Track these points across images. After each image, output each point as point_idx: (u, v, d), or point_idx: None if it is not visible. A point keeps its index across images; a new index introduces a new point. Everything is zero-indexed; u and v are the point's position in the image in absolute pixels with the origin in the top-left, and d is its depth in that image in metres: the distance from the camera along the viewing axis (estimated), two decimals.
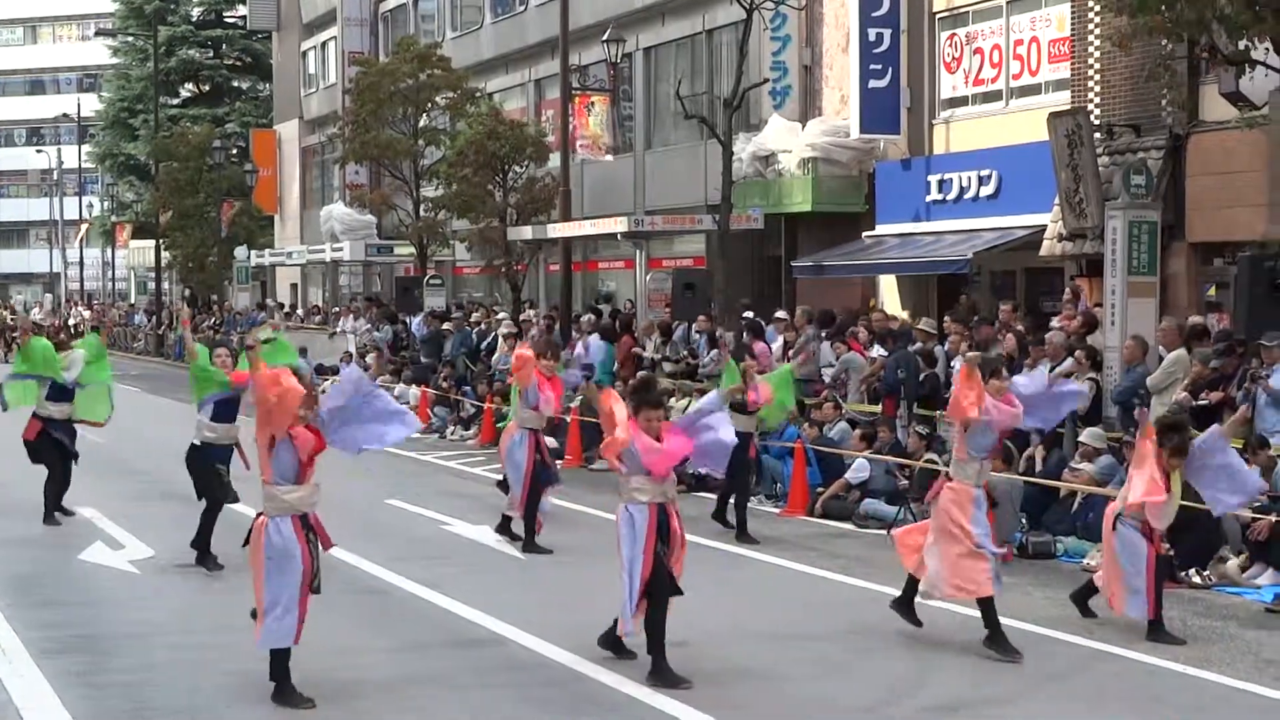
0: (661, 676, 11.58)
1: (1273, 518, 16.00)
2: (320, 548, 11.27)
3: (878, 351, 24.24)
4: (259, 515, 11.17)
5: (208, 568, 16.23)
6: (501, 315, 37.34)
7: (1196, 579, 15.94)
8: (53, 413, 19.60)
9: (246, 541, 11.33)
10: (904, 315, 28.04)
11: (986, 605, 12.88)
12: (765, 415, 19.76)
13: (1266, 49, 19.62)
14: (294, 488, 11.11)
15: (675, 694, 11.30)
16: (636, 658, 11.97)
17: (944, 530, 13.07)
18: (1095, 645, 13.29)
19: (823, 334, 25.72)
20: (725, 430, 12.33)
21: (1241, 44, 19.77)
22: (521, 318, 36.63)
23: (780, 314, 27.64)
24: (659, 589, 11.79)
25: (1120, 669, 12.51)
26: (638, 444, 11.76)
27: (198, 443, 16.88)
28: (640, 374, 13.12)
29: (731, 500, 19.37)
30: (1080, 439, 19.32)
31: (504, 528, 18.52)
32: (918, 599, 13.52)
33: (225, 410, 16.76)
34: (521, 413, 18.29)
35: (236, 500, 16.99)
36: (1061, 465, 19.31)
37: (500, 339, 34.56)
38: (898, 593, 13.79)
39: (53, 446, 19.60)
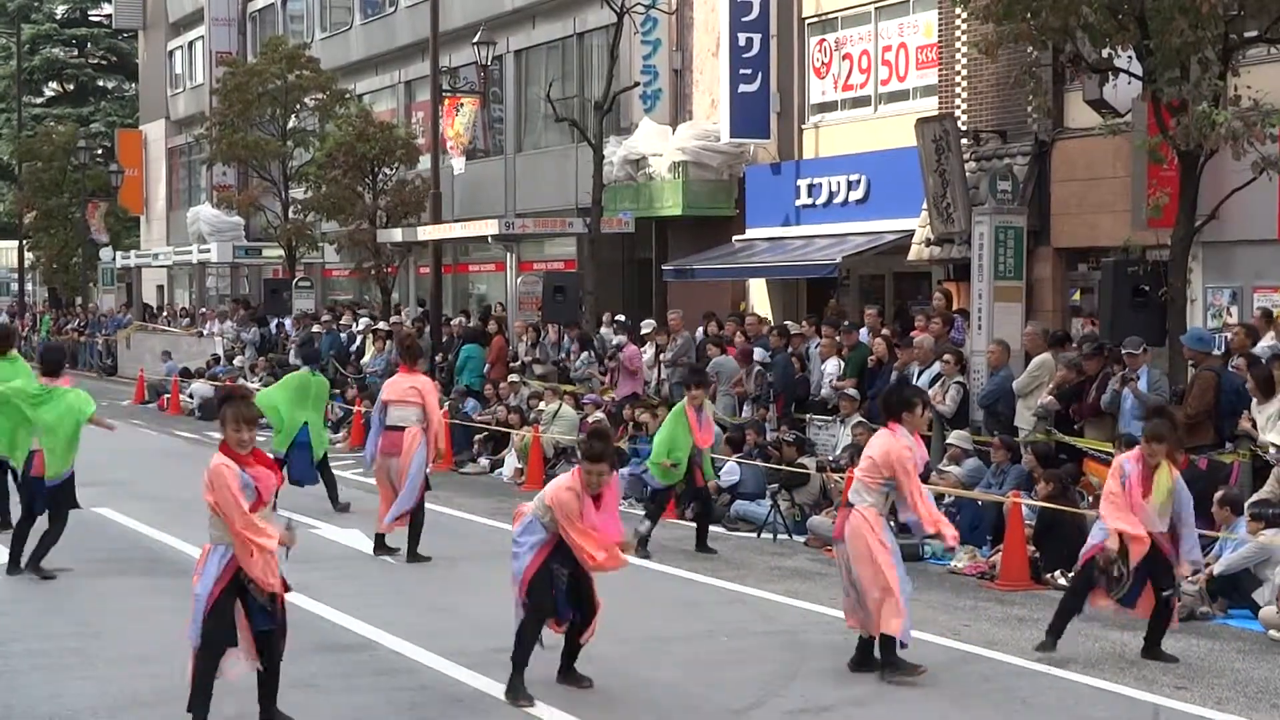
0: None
1: None
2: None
3: (760, 355, 24.26)
4: None
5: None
6: (363, 321, 37.11)
7: (1063, 581, 16.08)
8: None
9: None
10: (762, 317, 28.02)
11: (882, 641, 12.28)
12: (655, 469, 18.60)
13: (1129, 57, 19.90)
14: None
15: (548, 698, 11.29)
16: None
17: (864, 557, 12.19)
18: (962, 647, 13.40)
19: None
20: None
21: (1105, 52, 20.05)
22: (392, 320, 36.47)
23: (647, 322, 27.68)
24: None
25: (987, 670, 12.61)
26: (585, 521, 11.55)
27: None
28: (596, 425, 12.79)
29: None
30: (948, 441, 19.51)
31: (381, 546, 17.92)
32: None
33: None
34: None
35: None
36: (929, 468, 19.46)
37: (369, 341, 34.39)
38: (767, 594, 13.68)
39: None
